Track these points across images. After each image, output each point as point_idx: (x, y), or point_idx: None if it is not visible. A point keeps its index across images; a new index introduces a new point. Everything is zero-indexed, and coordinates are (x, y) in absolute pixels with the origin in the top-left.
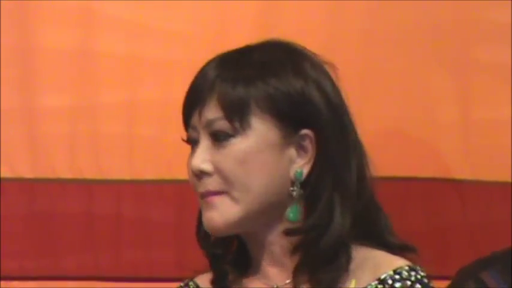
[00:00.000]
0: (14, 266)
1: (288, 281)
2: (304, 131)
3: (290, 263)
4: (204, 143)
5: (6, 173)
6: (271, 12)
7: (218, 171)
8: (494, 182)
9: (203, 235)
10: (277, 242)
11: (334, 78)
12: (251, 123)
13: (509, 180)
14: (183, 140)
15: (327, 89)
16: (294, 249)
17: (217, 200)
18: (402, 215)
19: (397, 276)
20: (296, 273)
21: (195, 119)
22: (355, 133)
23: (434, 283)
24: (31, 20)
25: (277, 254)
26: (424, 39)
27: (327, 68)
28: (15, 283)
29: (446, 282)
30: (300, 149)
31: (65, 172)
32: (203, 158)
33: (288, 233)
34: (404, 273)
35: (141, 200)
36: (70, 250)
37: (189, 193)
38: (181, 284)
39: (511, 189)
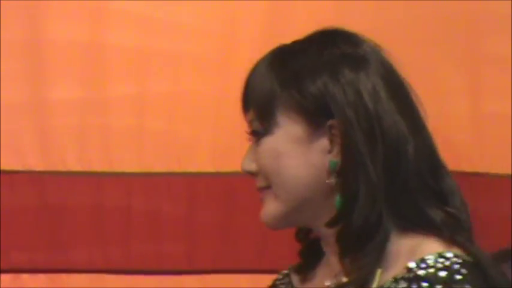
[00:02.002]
0: (23, 258)
1: (344, 269)
2: (330, 122)
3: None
4: (251, 143)
5: (16, 166)
6: (280, 7)
7: (259, 169)
8: (505, 175)
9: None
10: (327, 232)
11: (385, 65)
12: (277, 121)
13: None
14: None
15: (356, 81)
16: (337, 238)
17: (265, 195)
18: None
19: (422, 265)
20: (342, 260)
21: (246, 119)
22: (393, 119)
23: None
24: (41, 13)
25: (332, 242)
26: (434, 33)
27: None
28: (25, 276)
29: None
30: (333, 139)
31: (74, 165)
32: (249, 158)
33: (327, 225)
34: (430, 262)
35: (150, 192)
36: (80, 243)
37: (198, 186)
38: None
39: None
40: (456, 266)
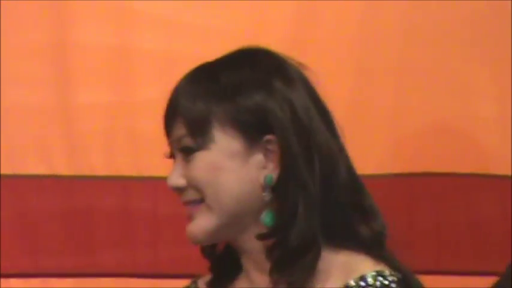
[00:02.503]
0: (51, 263)
1: (270, 286)
2: (267, 137)
3: (268, 266)
4: (178, 159)
5: (44, 170)
6: (308, 8)
7: (190, 183)
8: None
9: None
10: (254, 247)
11: (309, 84)
12: (213, 137)
13: None
14: (167, 157)
15: (291, 98)
16: (267, 253)
17: (196, 209)
18: (442, 211)
19: (362, 283)
20: (272, 276)
21: (171, 135)
22: (324, 135)
23: (472, 279)
24: (68, 17)
25: (257, 258)
26: (463, 35)
27: (305, 72)
28: (53, 280)
29: (485, 278)
30: (268, 154)
31: (102, 169)
32: (177, 174)
33: (259, 237)
34: (369, 280)
35: (177, 197)
36: (108, 247)
37: None
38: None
39: None
40: (393, 285)
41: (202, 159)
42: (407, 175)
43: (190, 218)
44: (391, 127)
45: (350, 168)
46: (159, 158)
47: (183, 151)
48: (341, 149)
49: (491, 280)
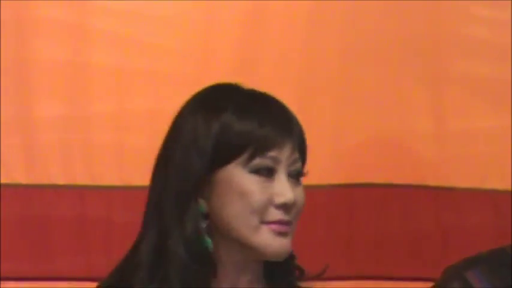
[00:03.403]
0: (11, 267)
1: None
2: None
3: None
4: (284, 177)
5: (3, 179)
6: (255, 27)
7: (296, 204)
8: (467, 189)
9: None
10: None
11: None
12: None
13: (481, 187)
14: (264, 169)
15: None
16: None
17: (289, 229)
18: (379, 220)
19: None
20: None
21: (280, 152)
22: None
23: (408, 283)
24: (27, 32)
25: (247, 280)
26: (401, 53)
27: None
28: (12, 283)
29: (420, 283)
30: None
31: (58, 178)
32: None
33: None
34: None
35: (130, 205)
36: (63, 252)
37: None
38: None
39: (482, 196)
40: None
41: (302, 188)
42: (347, 186)
43: (284, 234)
44: (331, 139)
45: None
46: (113, 168)
47: (294, 174)
48: None
49: (427, 285)
